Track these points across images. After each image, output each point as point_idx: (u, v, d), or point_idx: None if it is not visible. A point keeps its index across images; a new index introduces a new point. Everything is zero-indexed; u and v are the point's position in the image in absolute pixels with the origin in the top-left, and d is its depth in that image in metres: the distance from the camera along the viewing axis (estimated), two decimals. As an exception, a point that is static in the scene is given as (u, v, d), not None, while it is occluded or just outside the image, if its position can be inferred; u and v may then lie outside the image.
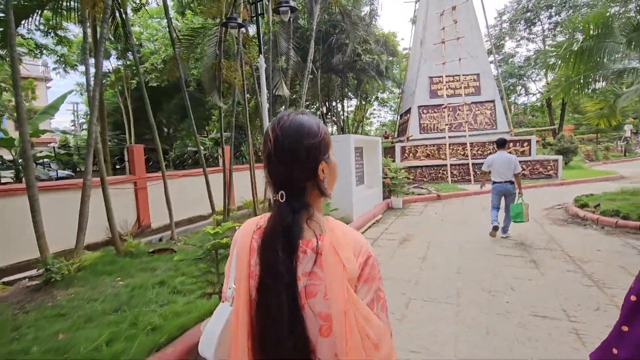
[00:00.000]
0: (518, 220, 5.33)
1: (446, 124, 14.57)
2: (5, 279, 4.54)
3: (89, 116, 6.15)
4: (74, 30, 16.90)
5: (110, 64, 18.75)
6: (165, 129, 22.95)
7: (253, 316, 0.77)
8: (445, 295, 3.52)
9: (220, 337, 0.83)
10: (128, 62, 16.24)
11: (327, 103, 24.48)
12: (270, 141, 0.79)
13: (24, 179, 4.25)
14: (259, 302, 0.75)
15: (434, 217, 7.73)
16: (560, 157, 13.39)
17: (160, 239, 7.29)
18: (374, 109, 40.33)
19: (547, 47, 28.18)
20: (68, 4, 6.32)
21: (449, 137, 14.28)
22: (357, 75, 18.27)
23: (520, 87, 33.99)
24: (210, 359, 0.83)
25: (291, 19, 9.94)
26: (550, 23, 29.09)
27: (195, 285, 2.67)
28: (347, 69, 17.12)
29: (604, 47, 6.46)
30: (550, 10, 29.02)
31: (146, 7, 14.03)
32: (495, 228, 5.58)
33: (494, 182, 5.61)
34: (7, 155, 12.71)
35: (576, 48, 6.90)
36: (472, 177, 13.15)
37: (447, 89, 15.05)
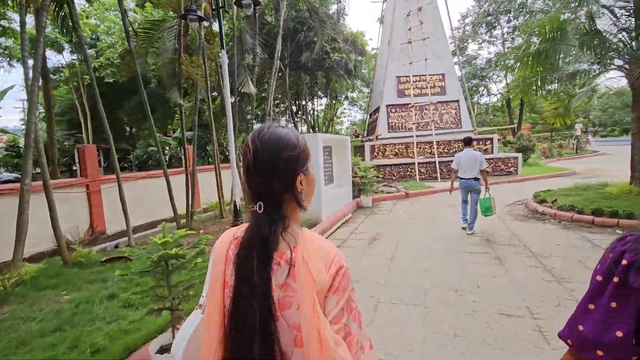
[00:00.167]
0: (488, 214, 5.61)
1: (414, 123, 14.84)
2: None
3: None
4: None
5: (63, 58, 17.45)
6: (127, 128, 21.73)
7: (226, 326, 0.77)
8: (413, 296, 3.47)
9: (188, 343, 0.85)
10: (82, 57, 15.16)
11: (296, 102, 24.26)
12: (250, 152, 0.80)
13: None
14: (233, 312, 0.76)
15: (403, 216, 7.78)
16: (519, 155, 14.04)
17: (117, 246, 6.80)
18: (345, 108, 40.61)
19: (506, 50, 29.63)
20: (4, -12, 5.69)
21: (417, 135, 14.56)
22: (326, 74, 18.20)
23: (482, 88, 35.51)
24: None
25: (257, 15, 9.65)
26: (509, 27, 30.58)
27: (148, 297, 2.42)
28: (316, 67, 17.00)
29: (559, 50, 6.77)
30: (509, 14, 30.50)
31: (100, -2, 13.15)
32: (465, 221, 5.93)
33: (461, 179, 5.83)
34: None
35: (533, 50, 7.19)
36: (438, 175, 13.48)
37: (414, 88, 15.33)
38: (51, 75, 15.37)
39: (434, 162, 13.74)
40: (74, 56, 16.42)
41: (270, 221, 0.78)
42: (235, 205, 6.08)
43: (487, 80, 33.95)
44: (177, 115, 17.08)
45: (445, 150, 14.43)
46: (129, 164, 17.24)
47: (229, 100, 5.89)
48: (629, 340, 0.68)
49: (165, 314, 2.43)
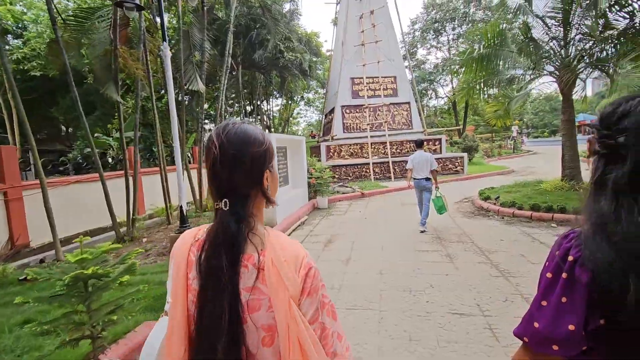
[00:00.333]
0: (442, 211, 5.95)
1: (368, 124, 15.10)
2: None
3: None
4: None
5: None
6: (64, 127, 19.66)
7: (192, 331, 0.76)
8: (369, 300, 3.39)
9: (160, 349, 0.84)
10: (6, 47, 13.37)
11: (251, 101, 23.66)
12: (216, 148, 0.78)
13: None
14: (200, 317, 0.74)
15: (358, 216, 7.80)
16: (465, 154, 14.89)
17: (42, 261, 5.98)
18: (301, 109, 40.54)
19: (452, 56, 31.46)
20: None
21: (371, 136, 14.83)
22: (281, 73, 17.92)
23: (430, 91, 37.38)
24: None
25: (205, 9, 9.14)
26: (454, 34, 32.49)
27: (62, 325, 2.04)
28: (271, 66, 16.66)
29: (500, 55, 7.21)
30: (453, 22, 32.44)
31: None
32: (423, 223, 6.08)
33: (414, 179, 6.10)
34: None
35: (476, 55, 7.58)
36: (392, 174, 13.83)
37: (367, 89, 15.61)
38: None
39: (388, 162, 14.08)
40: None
41: (237, 218, 0.76)
42: (181, 210, 5.64)
43: (435, 83, 35.77)
44: (123, 114, 15.77)
45: (398, 150, 14.86)
46: (65, 167, 15.54)
47: (173, 96, 5.44)
48: (580, 332, 0.70)
49: (84, 344, 2.07)
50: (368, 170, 13.92)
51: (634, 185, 0.67)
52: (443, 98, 37.82)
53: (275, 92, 26.50)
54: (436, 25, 33.01)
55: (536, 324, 0.75)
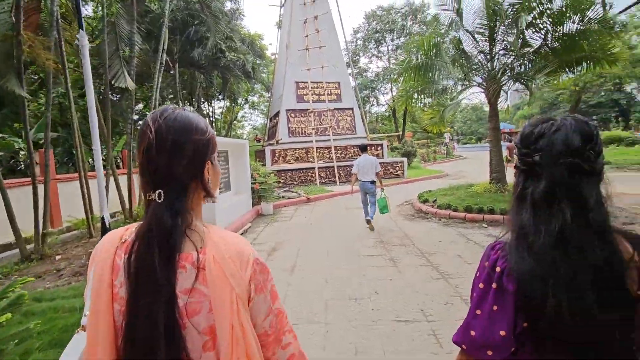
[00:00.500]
0: (385, 211, 6.30)
1: (313, 128, 15.11)
2: None
3: None
4: None
5: None
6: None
7: (121, 345, 0.66)
8: (314, 312, 3.22)
9: None
10: None
11: (191, 102, 22.38)
12: (152, 132, 0.70)
13: None
14: (130, 327, 0.65)
15: (304, 222, 7.65)
16: (405, 159, 15.64)
17: None
18: (245, 112, 39.55)
19: (391, 65, 33.13)
20: None
21: (316, 140, 14.85)
22: (223, 74, 17.20)
23: (372, 99, 38.96)
24: None
25: (135, -1, 8.33)
26: (393, 45, 34.28)
27: None
28: (211, 65, 15.88)
29: (435, 66, 7.63)
30: (392, 34, 34.25)
31: None
32: (368, 221, 6.37)
33: (360, 181, 6.35)
34: None
35: (414, 64, 7.94)
36: (337, 179, 13.97)
37: (312, 94, 15.64)
38: None
39: (333, 166, 14.20)
40: None
41: (173, 212, 0.69)
42: (103, 222, 4.95)
43: (376, 91, 37.35)
44: (36, 112, 13.76)
45: (343, 155, 15.09)
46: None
47: (92, 92, 4.77)
48: (510, 336, 0.75)
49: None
50: (314, 175, 13.89)
51: (549, 199, 0.73)
52: (384, 105, 39.64)
53: (218, 94, 25.43)
54: (377, 35, 34.57)
55: (472, 332, 0.79)
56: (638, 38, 22.28)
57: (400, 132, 32.78)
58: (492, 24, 7.45)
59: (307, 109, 15.41)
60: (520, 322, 0.75)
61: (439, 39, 8.11)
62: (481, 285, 0.80)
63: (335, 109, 15.90)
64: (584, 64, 7.23)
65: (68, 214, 8.26)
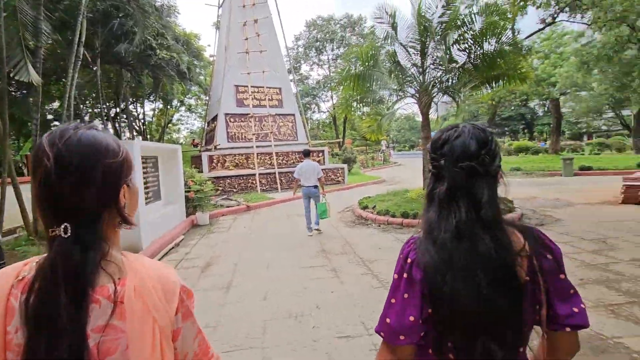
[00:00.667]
0: (324, 216, 6.44)
1: (253, 134, 14.67)
2: None
3: None
4: None
5: None
6: None
7: None
8: (251, 336, 2.95)
9: None
10: None
11: (116, 103, 20.37)
12: (49, 159, 0.61)
13: None
14: None
15: (243, 232, 7.26)
16: (345, 166, 15.97)
17: None
18: (182, 115, 37.28)
19: (332, 74, 33.94)
20: None
21: (257, 146, 14.44)
22: (154, 73, 15.93)
23: (314, 106, 39.47)
24: None
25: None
26: (333, 54, 35.18)
27: None
28: (141, 63, 14.61)
29: (373, 76, 7.87)
30: (332, 43, 35.17)
31: None
32: (310, 229, 6.50)
33: (303, 187, 6.46)
34: None
35: (353, 73, 8.10)
36: (279, 185, 13.70)
37: (252, 99, 15.21)
38: None
39: (274, 172, 13.90)
40: None
41: (83, 247, 0.61)
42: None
43: (317, 98, 37.92)
44: None
45: (284, 161, 14.88)
46: None
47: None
48: (418, 322, 0.81)
49: None
50: (254, 182, 13.45)
51: (450, 198, 0.81)
52: (325, 112, 40.42)
53: (149, 95, 23.53)
54: (317, 44, 35.21)
55: (388, 320, 0.84)
56: (538, 62, 25.84)
57: (341, 139, 33.65)
58: (423, 39, 7.93)
59: (248, 114, 14.94)
60: (426, 308, 0.81)
61: (375, 50, 8.39)
62: (395, 276, 0.87)
63: (276, 114, 15.66)
64: (501, 81, 8.05)
65: (-52, 232, 6.78)
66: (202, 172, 13.15)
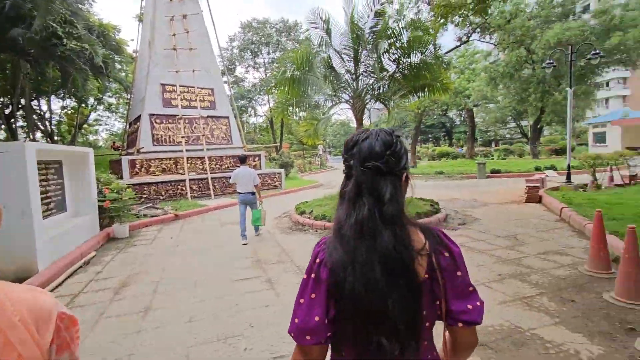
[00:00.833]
0: (257, 223, 6.40)
1: (183, 137, 13.64)
2: None
3: None
4: None
5: None
6: None
7: None
8: (171, 367, 2.57)
9: None
10: None
11: (14, 98, 17.44)
12: None
13: None
14: None
15: (170, 244, 6.59)
16: (282, 170, 15.73)
17: None
18: (100, 115, 33.44)
19: (268, 77, 33.53)
20: None
21: (187, 150, 13.45)
22: (62, 66, 13.94)
23: (250, 109, 38.53)
24: None
25: None
26: (269, 58, 34.78)
27: None
28: (44, 53, 12.64)
29: (308, 80, 7.83)
30: (269, 47, 34.78)
31: None
32: (245, 237, 6.25)
33: (240, 193, 6.34)
34: None
35: (289, 76, 7.97)
36: (212, 192, 12.92)
37: (182, 99, 14.17)
38: None
39: (207, 178, 13.08)
40: None
41: None
42: None
43: (253, 102, 37.10)
44: None
45: (218, 166, 14.11)
46: None
47: None
48: (323, 321, 0.83)
49: None
50: (184, 188, 12.48)
51: (356, 196, 0.84)
52: (262, 116, 39.74)
53: (59, 90, 20.58)
54: (253, 46, 34.52)
55: (296, 320, 0.85)
56: (455, 76, 28.69)
57: (278, 143, 33.33)
58: (356, 47, 8.13)
59: (176, 115, 13.86)
60: (332, 307, 0.83)
61: (311, 56, 8.39)
62: (305, 277, 0.87)
63: (209, 116, 14.80)
64: (426, 91, 8.62)
65: None
66: (122, 178, 11.84)
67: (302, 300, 0.86)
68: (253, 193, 6.36)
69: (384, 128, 0.90)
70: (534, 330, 2.82)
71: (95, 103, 27.94)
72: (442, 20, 8.00)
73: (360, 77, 8.49)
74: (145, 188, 11.64)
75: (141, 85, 14.62)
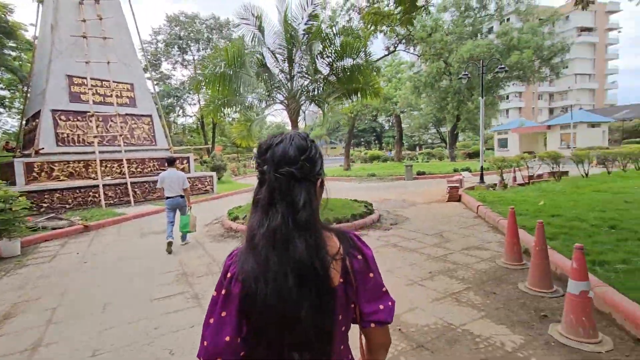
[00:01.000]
0: (185, 230, 6.01)
1: (95, 136, 12.02)
2: None
3: None
4: None
5: None
6: None
7: None
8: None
9: None
10: None
11: None
12: None
13: None
14: None
15: (74, 261, 5.63)
16: (214, 174, 14.86)
17: None
18: (-15, 109, 28.07)
19: (198, 76, 31.71)
20: None
21: (101, 152, 11.88)
22: None
23: (178, 108, 35.97)
24: None
25: None
26: (199, 56, 32.86)
27: None
28: None
29: (240, 78, 7.41)
30: (198, 44, 32.89)
31: None
32: (170, 244, 5.77)
33: (167, 197, 5.96)
34: None
35: (219, 72, 7.48)
36: (132, 198, 11.60)
37: (94, 94, 12.49)
38: None
39: (125, 183, 11.71)
40: None
41: None
42: None
43: (182, 101, 34.72)
44: None
45: (139, 169, 12.74)
46: None
47: None
48: (235, 341, 0.78)
49: None
50: (97, 195, 10.99)
51: (270, 203, 0.81)
52: (192, 117, 37.37)
53: None
54: (181, 42, 32.33)
55: (205, 343, 0.80)
56: (384, 84, 30.42)
57: (210, 145, 31.66)
58: (290, 47, 7.97)
59: (87, 112, 12.16)
60: (244, 324, 0.79)
61: (243, 54, 8.00)
62: (214, 294, 0.83)
63: (128, 114, 13.31)
64: (359, 94, 8.82)
65: None
66: (15, 184, 9.98)
67: (211, 321, 0.81)
68: (182, 196, 6.00)
69: (299, 132, 0.87)
70: (464, 326, 2.92)
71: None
72: (372, 28, 8.25)
73: (295, 78, 8.35)
74: (47, 196, 9.98)
75: (41, 76, 12.55)
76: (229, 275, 0.82)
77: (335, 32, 8.21)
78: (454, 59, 21.74)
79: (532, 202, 7.63)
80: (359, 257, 0.86)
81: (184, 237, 6.24)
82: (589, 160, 11.88)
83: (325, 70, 8.22)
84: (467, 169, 17.30)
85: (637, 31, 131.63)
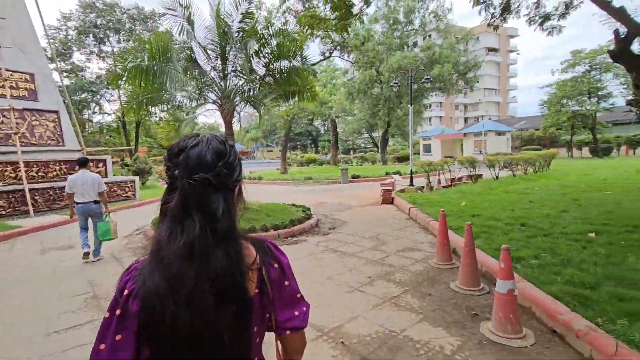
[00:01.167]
0: (107, 238, 5.35)
1: (-20, 134, 9.98)
2: None
3: None
4: None
5: None
6: None
7: None
8: None
9: None
10: None
11: None
12: None
13: None
14: None
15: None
16: (137, 178, 13.44)
17: None
18: None
19: (116, 67, 28.66)
20: None
21: (-12, 152, 9.90)
22: None
23: (94, 105, 32.09)
24: None
25: None
26: (119, 47, 29.71)
27: None
28: None
29: (167, 73, 6.73)
30: (119, 34, 29.75)
31: None
32: (87, 254, 5.34)
33: (78, 203, 5.32)
34: None
35: (141, 64, 6.71)
36: (31, 208, 9.85)
37: (-22, 83, 10.40)
38: None
39: (22, 190, 9.91)
40: None
41: None
42: None
43: (99, 96, 31.05)
44: None
45: (42, 173, 10.92)
46: None
47: None
48: None
49: None
50: (-18, 205, 9.10)
51: (184, 212, 0.73)
52: (110, 114, 33.62)
53: None
54: (97, 31, 28.91)
55: None
56: (319, 89, 30.99)
57: (133, 147, 28.80)
58: (223, 44, 7.51)
59: (-32, 104, 10.05)
60: (144, 347, 0.73)
61: (171, 48, 7.32)
62: (107, 315, 0.75)
63: (26, 109, 11.34)
64: (296, 97, 8.70)
65: None
66: None
67: (101, 347, 0.73)
68: (97, 202, 5.38)
69: (217, 135, 0.82)
70: (405, 332, 2.92)
71: None
72: (308, 31, 8.21)
73: (229, 77, 7.89)
74: None
75: None
76: (125, 292, 0.74)
77: (271, 32, 7.98)
78: (385, 68, 23.00)
79: (455, 203, 8.27)
80: (276, 265, 0.84)
81: (96, 252, 5.49)
82: (498, 165, 13.44)
83: (261, 71, 7.93)
84: (398, 172, 18.33)
85: (534, 54, 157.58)
